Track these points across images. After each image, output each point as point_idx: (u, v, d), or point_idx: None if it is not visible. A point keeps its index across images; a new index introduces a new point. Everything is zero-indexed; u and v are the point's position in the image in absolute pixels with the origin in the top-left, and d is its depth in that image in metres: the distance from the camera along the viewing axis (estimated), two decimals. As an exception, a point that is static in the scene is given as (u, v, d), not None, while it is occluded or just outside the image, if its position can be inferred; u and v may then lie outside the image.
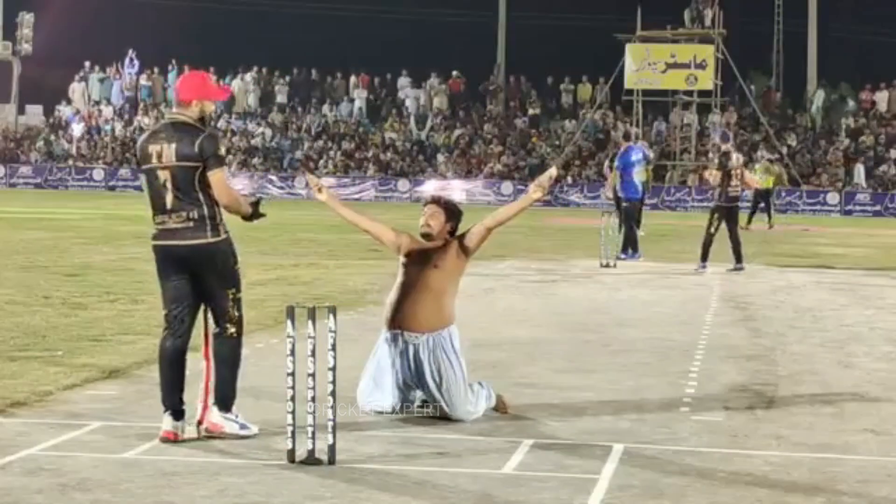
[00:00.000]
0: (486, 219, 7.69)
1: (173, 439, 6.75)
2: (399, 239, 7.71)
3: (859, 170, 43.37)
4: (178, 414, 6.88)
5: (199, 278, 6.93)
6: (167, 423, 6.84)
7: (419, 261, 7.56)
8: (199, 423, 6.90)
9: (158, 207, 6.84)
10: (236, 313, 7.01)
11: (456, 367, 7.42)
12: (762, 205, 30.94)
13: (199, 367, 7.12)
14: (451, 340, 7.50)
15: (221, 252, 6.86)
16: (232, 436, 6.83)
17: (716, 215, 18.14)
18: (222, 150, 6.85)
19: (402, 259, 7.67)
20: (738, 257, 18.03)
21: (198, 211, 6.77)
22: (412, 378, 7.45)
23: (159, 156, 6.78)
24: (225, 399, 6.98)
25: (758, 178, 31.21)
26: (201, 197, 6.77)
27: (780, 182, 32.81)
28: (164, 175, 6.78)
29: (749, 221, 30.07)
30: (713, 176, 18.39)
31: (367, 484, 5.91)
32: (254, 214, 7.06)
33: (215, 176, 6.74)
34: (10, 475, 5.93)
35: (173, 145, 6.76)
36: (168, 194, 6.78)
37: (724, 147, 19.93)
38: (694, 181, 43.67)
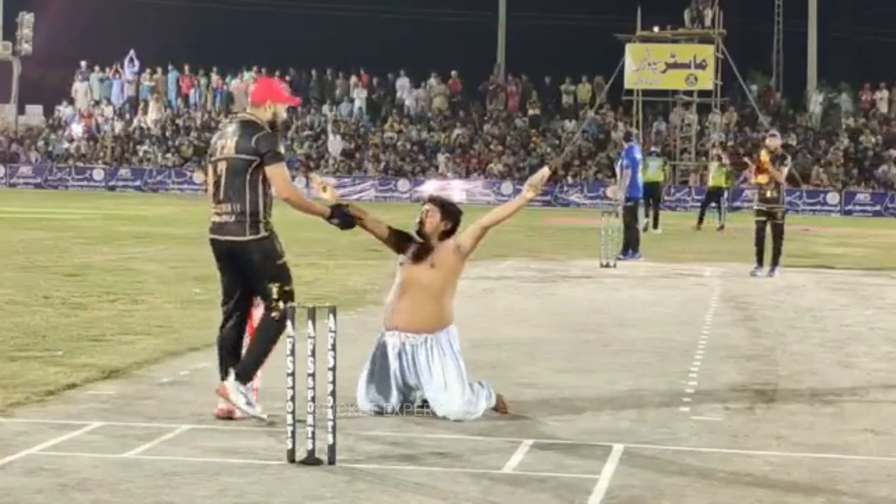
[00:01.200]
0: (482, 218, 7.70)
1: (222, 394, 7.11)
2: (387, 229, 7.71)
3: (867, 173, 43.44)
4: (239, 375, 7.12)
5: (243, 273, 7.25)
6: (221, 402, 7.15)
7: (417, 261, 7.57)
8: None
9: (215, 197, 7.24)
10: (282, 305, 7.09)
11: (455, 368, 7.43)
12: (713, 205, 30.90)
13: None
14: (451, 341, 7.51)
15: (260, 250, 7.13)
16: (235, 407, 7.03)
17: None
18: (280, 148, 7.21)
19: (399, 259, 7.69)
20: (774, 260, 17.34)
21: (240, 205, 7.11)
22: (412, 378, 7.45)
23: (222, 148, 7.23)
24: (244, 371, 7.16)
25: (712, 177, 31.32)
26: (248, 192, 7.10)
27: (731, 182, 32.84)
28: (221, 166, 7.21)
29: (700, 221, 30.03)
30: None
31: (367, 484, 5.91)
32: (342, 219, 7.33)
33: (273, 171, 7.09)
34: (10, 475, 5.93)
35: (235, 139, 7.18)
36: (222, 185, 7.17)
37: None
38: (695, 181, 43.69)
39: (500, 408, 7.56)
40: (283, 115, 7.46)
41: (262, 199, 7.13)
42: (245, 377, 7.13)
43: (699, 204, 34.01)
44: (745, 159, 24.54)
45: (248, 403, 7.05)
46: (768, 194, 17.25)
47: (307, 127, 50.04)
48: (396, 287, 7.61)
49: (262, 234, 7.13)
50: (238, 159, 7.13)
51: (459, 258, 7.63)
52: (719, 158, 33.45)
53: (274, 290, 7.13)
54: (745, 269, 18.15)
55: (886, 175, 43.69)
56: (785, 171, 17.38)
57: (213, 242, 7.31)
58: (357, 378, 7.55)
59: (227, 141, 7.23)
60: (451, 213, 7.74)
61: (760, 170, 17.27)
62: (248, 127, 7.22)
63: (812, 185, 43.15)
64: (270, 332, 7.17)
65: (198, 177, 33.09)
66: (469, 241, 7.63)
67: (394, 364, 7.48)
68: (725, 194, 31.40)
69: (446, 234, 7.69)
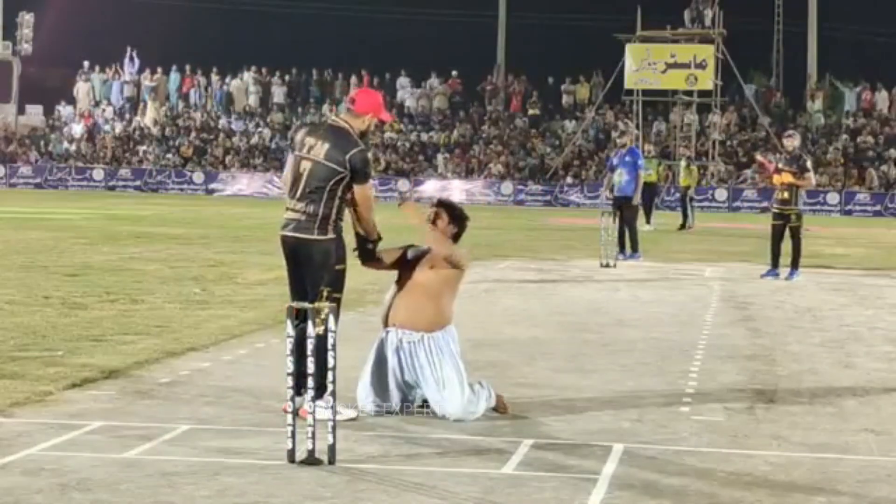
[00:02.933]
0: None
1: (303, 416, 6.91)
2: (401, 252, 7.73)
3: (872, 175, 43.39)
4: (316, 392, 6.98)
5: (302, 271, 7.35)
6: (298, 401, 7.00)
7: (416, 262, 7.59)
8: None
9: (292, 192, 7.35)
10: (323, 313, 7.02)
11: (454, 367, 7.43)
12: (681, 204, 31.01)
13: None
14: (449, 341, 7.51)
15: (323, 250, 7.24)
16: (324, 421, 6.86)
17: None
18: (370, 168, 7.38)
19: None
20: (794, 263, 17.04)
21: (314, 207, 7.24)
22: (411, 376, 7.46)
23: (311, 148, 7.32)
24: (318, 387, 7.04)
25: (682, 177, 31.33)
26: (325, 198, 7.23)
27: (697, 183, 32.95)
28: (306, 165, 7.30)
29: (684, 221, 30.01)
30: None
31: (368, 484, 5.91)
32: (366, 246, 7.44)
33: (362, 191, 7.29)
34: (11, 475, 5.93)
35: (327, 145, 7.27)
36: (302, 183, 7.29)
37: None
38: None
39: (499, 408, 7.56)
40: (371, 127, 7.58)
41: (337, 205, 7.26)
42: (320, 392, 7.03)
43: (697, 202, 34.10)
44: (759, 159, 24.39)
45: (336, 412, 6.81)
46: (783, 196, 16.92)
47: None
48: (395, 285, 7.63)
49: (331, 235, 7.25)
50: (325, 166, 7.23)
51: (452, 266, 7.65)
52: (687, 159, 33.48)
53: (324, 293, 7.16)
54: (746, 270, 18.17)
55: (886, 175, 43.70)
56: (810, 175, 17.06)
57: (281, 238, 7.43)
58: (357, 378, 7.54)
59: (317, 142, 7.31)
60: (457, 218, 7.78)
61: (776, 171, 17.10)
62: (342, 137, 7.31)
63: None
64: (317, 347, 7.10)
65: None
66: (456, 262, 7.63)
67: (392, 360, 7.48)
68: (688, 195, 31.33)
69: (453, 238, 7.74)
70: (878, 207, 42.02)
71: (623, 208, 19.82)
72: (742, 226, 32.09)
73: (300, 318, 7.05)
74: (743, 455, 6.66)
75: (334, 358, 6.25)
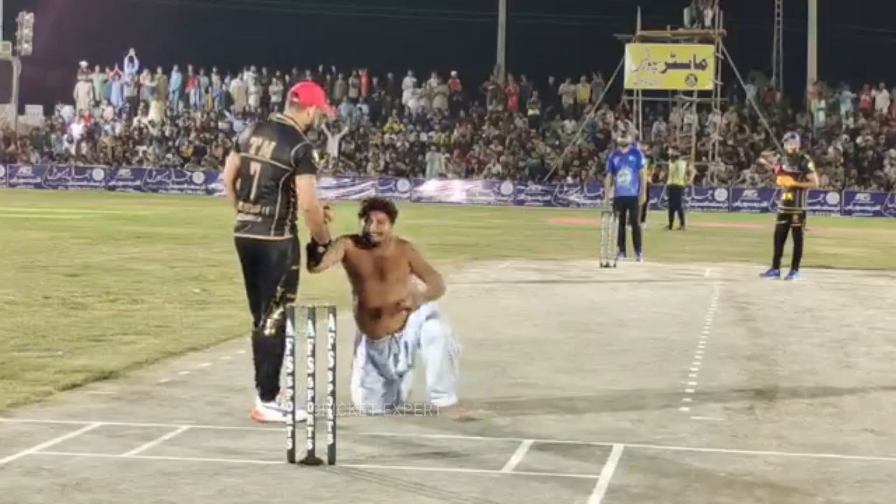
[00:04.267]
0: (430, 282, 7.66)
1: (256, 419, 7.18)
2: (343, 248, 7.53)
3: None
4: (264, 395, 7.22)
5: (255, 272, 7.31)
6: (254, 402, 7.27)
7: (375, 273, 7.50)
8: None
9: (244, 195, 7.30)
10: (278, 315, 7.11)
11: (439, 332, 7.47)
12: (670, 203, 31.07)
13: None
14: (422, 315, 7.52)
15: (281, 250, 7.19)
16: (274, 423, 6.98)
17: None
18: (315, 159, 7.27)
19: (349, 266, 7.56)
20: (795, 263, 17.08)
21: (270, 208, 7.19)
22: (401, 366, 7.55)
23: (258, 149, 7.26)
24: (264, 389, 7.24)
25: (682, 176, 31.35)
26: (280, 197, 7.17)
27: (694, 181, 33.12)
28: (255, 167, 7.25)
29: (681, 221, 29.98)
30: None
31: (367, 484, 5.91)
32: (316, 250, 7.31)
33: (302, 180, 7.16)
34: (10, 475, 5.93)
35: (273, 144, 7.22)
36: (255, 184, 7.23)
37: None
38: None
39: (456, 412, 7.41)
40: (318, 121, 7.54)
41: (291, 203, 7.20)
42: (269, 393, 7.20)
43: (697, 202, 34.11)
44: (762, 161, 24.48)
45: (284, 413, 6.89)
46: (787, 197, 17.00)
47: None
48: (362, 302, 7.53)
49: (287, 235, 7.21)
50: (273, 166, 7.18)
51: (402, 252, 7.58)
52: (675, 158, 33.57)
53: (278, 294, 7.15)
54: (746, 270, 18.17)
55: (887, 176, 43.70)
56: (813, 176, 17.06)
57: (235, 240, 7.38)
58: (349, 382, 7.52)
59: (263, 142, 7.25)
60: (394, 213, 7.63)
61: (780, 172, 17.20)
62: (287, 135, 7.24)
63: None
64: (273, 349, 7.16)
65: None
66: (417, 266, 7.61)
67: (378, 363, 7.54)
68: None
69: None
70: (878, 207, 42.03)
71: (627, 208, 19.80)
72: (742, 226, 32.09)
73: (255, 318, 7.28)
74: (743, 455, 6.66)
75: (334, 358, 6.24)
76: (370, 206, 7.58)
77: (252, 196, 7.23)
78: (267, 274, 7.21)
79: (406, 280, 7.60)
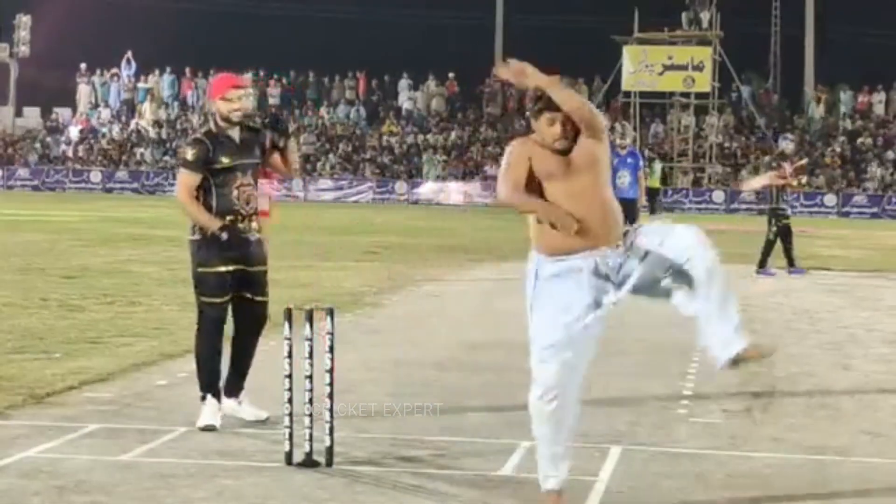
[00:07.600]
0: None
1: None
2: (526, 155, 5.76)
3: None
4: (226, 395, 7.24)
5: None
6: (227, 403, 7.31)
7: (573, 170, 5.76)
8: None
9: None
10: (197, 311, 7.14)
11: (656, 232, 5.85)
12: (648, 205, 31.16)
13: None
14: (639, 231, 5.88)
15: (191, 251, 7.16)
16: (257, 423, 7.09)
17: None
18: (187, 154, 7.10)
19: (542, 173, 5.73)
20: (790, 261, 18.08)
21: None
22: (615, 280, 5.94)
23: None
24: (201, 387, 7.23)
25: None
26: (199, 196, 7.09)
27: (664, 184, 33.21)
28: None
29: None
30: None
31: (365, 486, 5.90)
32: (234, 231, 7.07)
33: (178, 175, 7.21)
34: (8, 477, 5.92)
35: None
36: None
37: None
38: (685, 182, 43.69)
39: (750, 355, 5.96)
40: (224, 108, 7.34)
41: (201, 202, 7.05)
42: (203, 393, 7.18)
43: (695, 204, 34.11)
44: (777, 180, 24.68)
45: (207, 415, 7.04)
46: (783, 198, 18.00)
47: (306, 129, 50.03)
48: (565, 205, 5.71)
49: (196, 236, 7.07)
50: None
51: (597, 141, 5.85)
52: (651, 160, 33.66)
53: (195, 293, 7.15)
54: (744, 270, 18.16)
55: (883, 178, 43.74)
56: (804, 179, 18.09)
57: None
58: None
59: None
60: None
61: (782, 176, 17.77)
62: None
63: (813, 187, 43.21)
64: (196, 347, 7.18)
65: None
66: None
67: (584, 291, 5.95)
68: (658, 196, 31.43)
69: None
70: (875, 209, 42.04)
71: (626, 210, 19.79)
72: (740, 227, 32.07)
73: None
74: (740, 457, 6.66)
75: (332, 360, 6.23)
76: (547, 107, 5.85)
77: None
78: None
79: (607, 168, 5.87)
